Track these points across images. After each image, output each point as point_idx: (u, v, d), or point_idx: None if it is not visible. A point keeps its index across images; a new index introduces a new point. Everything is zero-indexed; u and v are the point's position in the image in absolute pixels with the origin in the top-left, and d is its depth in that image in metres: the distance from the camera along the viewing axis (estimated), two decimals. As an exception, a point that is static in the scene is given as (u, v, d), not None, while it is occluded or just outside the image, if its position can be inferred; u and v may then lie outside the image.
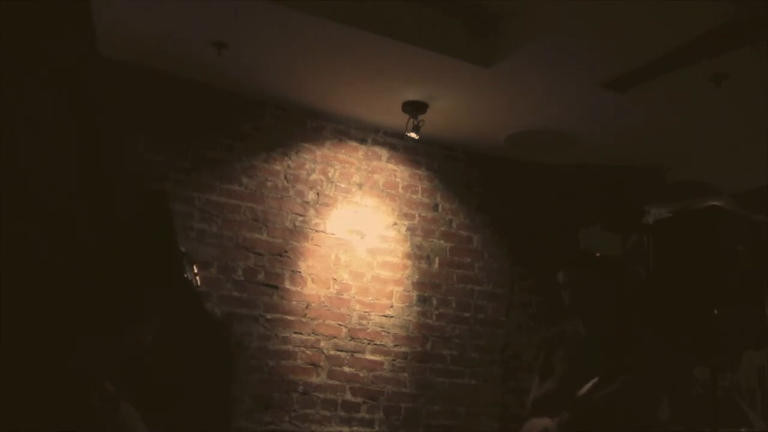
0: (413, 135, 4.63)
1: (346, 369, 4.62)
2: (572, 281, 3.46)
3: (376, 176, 4.96)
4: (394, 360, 4.78)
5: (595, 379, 3.16)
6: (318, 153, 4.78)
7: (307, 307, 4.58)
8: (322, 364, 4.56)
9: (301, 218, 4.66)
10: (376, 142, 4.99)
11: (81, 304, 0.98)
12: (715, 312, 3.12)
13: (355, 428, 4.59)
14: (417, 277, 4.96)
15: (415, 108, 4.53)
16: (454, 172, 5.23)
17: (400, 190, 5.03)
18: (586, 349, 3.34)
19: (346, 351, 4.64)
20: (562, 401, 3.23)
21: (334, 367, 4.58)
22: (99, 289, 0.99)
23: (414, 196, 5.07)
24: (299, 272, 4.59)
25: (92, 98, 0.99)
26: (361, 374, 4.66)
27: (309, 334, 4.55)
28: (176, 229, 1.18)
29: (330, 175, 4.80)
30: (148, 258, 1.04)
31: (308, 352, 4.53)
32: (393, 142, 5.03)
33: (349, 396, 4.60)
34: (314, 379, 4.52)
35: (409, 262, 4.96)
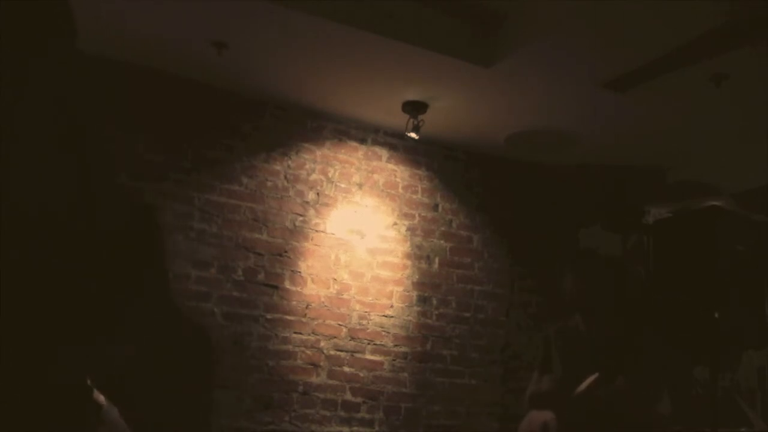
0: (413, 135, 4.63)
1: (346, 369, 4.62)
2: (578, 276, 3.45)
3: (376, 176, 4.95)
4: (394, 360, 4.78)
5: (596, 375, 3.15)
6: (318, 153, 4.78)
7: (307, 307, 4.57)
8: (322, 364, 4.55)
9: (301, 218, 4.66)
10: (376, 142, 4.99)
11: (79, 306, 0.97)
12: (715, 312, 3.12)
13: (355, 428, 4.59)
14: (417, 277, 4.96)
15: (415, 108, 4.53)
16: (454, 172, 5.23)
17: (400, 190, 5.03)
18: (586, 347, 3.33)
19: (346, 351, 4.64)
20: (561, 398, 3.22)
21: (334, 367, 4.58)
22: (98, 291, 0.99)
23: (414, 196, 5.07)
24: (299, 272, 4.59)
25: (80, 98, 0.99)
26: (361, 374, 4.66)
27: (309, 334, 4.55)
28: (161, 233, 1.17)
29: (330, 175, 4.80)
30: (122, 265, 1.04)
31: (308, 352, 4.53)
32: (393, 142, 5.03)
33: (349, 396, 4.60)
34: (314, 379, 4.52)
35: (409, 262, 4.95)
